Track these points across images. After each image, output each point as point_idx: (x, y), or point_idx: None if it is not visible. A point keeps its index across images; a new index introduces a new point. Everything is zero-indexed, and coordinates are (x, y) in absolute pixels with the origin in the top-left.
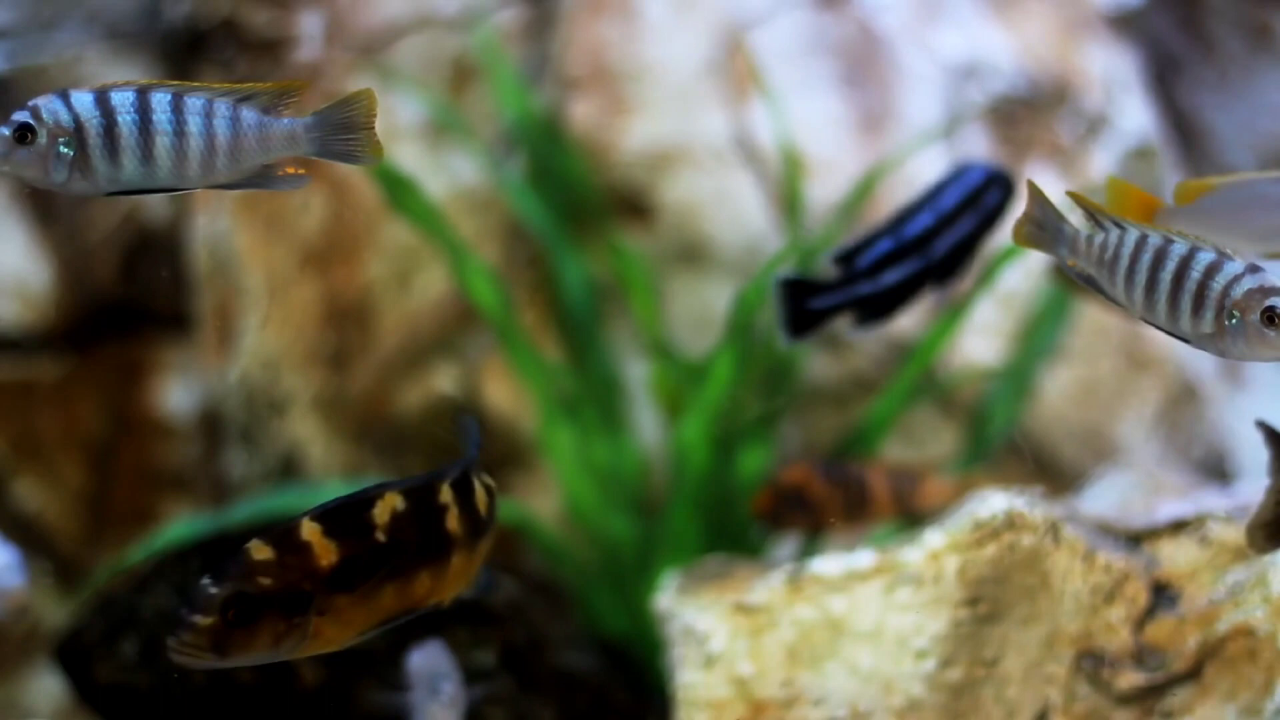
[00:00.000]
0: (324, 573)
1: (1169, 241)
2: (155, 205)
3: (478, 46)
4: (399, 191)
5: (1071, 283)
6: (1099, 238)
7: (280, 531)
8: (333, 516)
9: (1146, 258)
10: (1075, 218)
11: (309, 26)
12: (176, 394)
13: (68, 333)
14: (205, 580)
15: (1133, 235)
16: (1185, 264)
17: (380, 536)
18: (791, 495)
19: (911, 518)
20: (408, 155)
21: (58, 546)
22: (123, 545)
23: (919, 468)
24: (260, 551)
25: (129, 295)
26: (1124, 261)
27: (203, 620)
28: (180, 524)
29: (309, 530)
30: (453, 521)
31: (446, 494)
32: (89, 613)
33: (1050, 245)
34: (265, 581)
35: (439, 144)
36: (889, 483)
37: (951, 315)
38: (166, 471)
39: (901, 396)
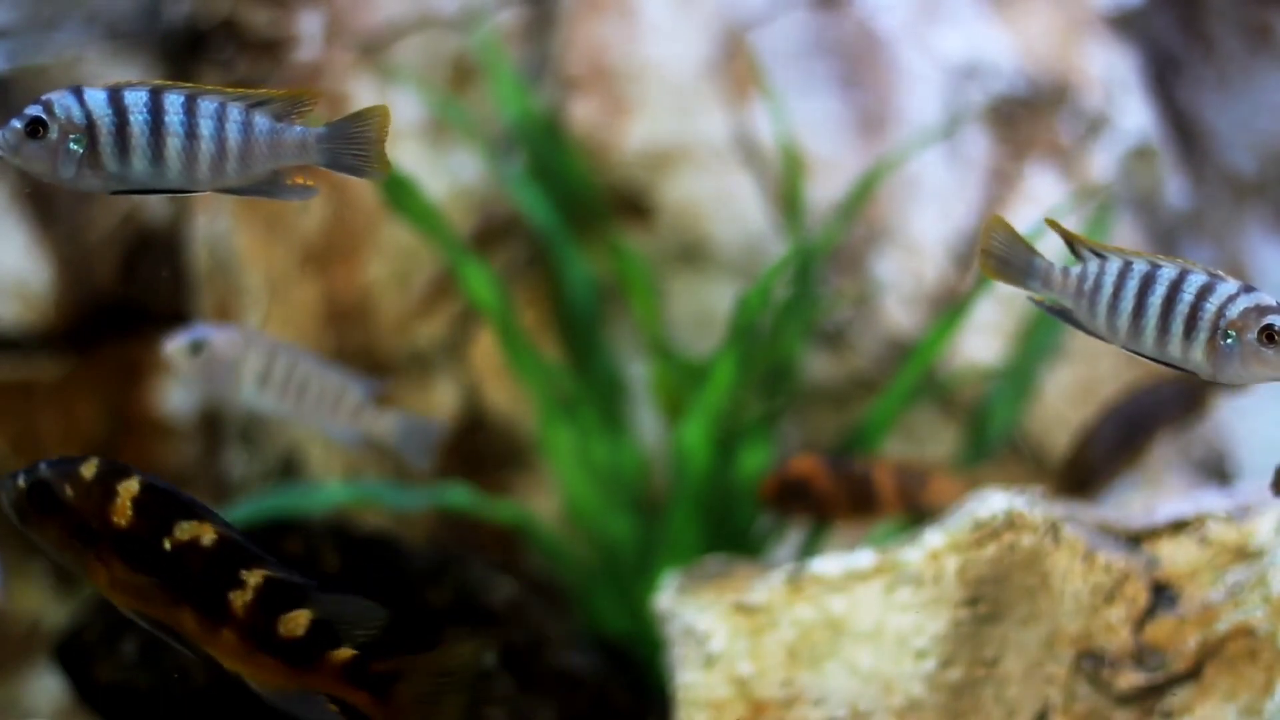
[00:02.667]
0: (107, 525)
1: (1156, 266)
2: (155, 205)
3: (478, 46)
4: (398, 192)
5: None
6: (1076, 269)
7: (110, 469)
8: (152, 493)
9: (1132, 284)
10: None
11: (309, 26)
12: (176, 394)
13: (68, 333)
14: (52, 458)
15: (1115, 263)
16: (1176, 287)
17: (166, 543)
18: (797, 486)
19: (917, 516)
20: (408, 155)
21: None
22: None
23: (926, 466)
24: (87, 469)
25: (129, 295)
26: (1107, 290)
27: (20, 482)
28: None
29: (126, 486)
30: (237, 598)
31: (254, 578)
32: (89, 613)
33: (1019, 279)
34: (67, 492)
35: (439, 143)
36: (896, 480)
37: (951, 315)
38: (166, 471)
39: (901, 396)
